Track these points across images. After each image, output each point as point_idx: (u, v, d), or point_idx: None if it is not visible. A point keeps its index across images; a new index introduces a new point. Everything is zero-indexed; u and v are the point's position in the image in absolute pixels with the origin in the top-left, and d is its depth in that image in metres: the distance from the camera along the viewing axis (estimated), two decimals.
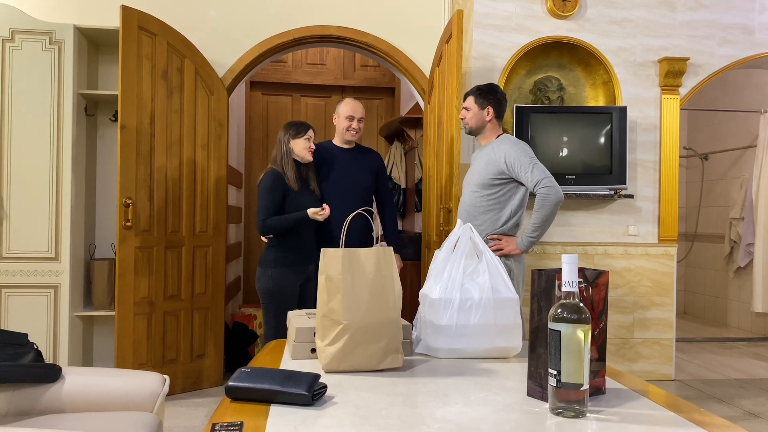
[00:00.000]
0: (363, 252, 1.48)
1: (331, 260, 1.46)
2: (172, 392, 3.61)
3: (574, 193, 4.04)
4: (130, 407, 2.00)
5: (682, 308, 7.02)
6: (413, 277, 4.37)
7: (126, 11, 3.40)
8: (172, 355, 3.66)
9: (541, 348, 1.27)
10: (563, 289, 1.18)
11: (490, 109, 2.92)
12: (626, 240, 4.21)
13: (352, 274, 1.45)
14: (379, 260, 1.48)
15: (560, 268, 1.22)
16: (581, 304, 1.17)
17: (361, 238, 3.32)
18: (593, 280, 1.29)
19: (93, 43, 3.88)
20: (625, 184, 4.04)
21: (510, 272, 2.82)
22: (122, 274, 3.41)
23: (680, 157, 4.65)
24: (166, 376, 2.11)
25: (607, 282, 1.31)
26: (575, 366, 1.16)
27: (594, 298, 1.29)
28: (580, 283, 1.26)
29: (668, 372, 4.22)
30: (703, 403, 3.71)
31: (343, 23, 4.02)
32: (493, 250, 2.82)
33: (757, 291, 5.24)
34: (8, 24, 3.51)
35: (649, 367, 4.21)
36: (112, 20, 3.74)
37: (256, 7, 3.97)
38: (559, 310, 1.17)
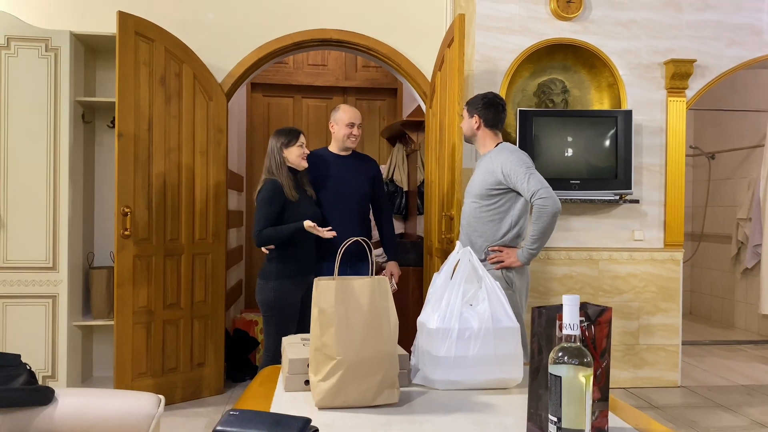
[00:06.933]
0: (357, 283, 1.43)
1: (324, 292, 1.41)
2: (171, 402, 3.58)
3: (579, 199, 3.98)
4: (124, 429, 1.96)
5: (689, 309, 6.95)
6: (415, 283, 4.32)
7: (123, 17, 3.35)
8: (172, 364, 3.63)
9: (541, 389, 1.22)
10: (564, 331, 1.13)
11: (477, 117, 2.91)
12: (631, 245, 4.15)
13: (345, 307, 1.40)
14: (373, 291, 1.43)
15: (561, 305, 1.17)
16: (583, 348, 1.12)
17: (359, 248, 3.27)
18: (596, 318, 1.24)
19: (90, 50, 3.83)
20: (631, 188, 3.98)
21: (512, 285, 2.77)
22: (121, 283, 3.37)
23: (687, 156, 4.58)
24: (161, 397, 2.07)
25: (610, 319, 1.26)
26: (576, 411, 1.11)
27: (596, 336, 1.24)
28: (581, 322, 1.21)
29: (674, 378, 4.17)
30: (709, 412, 3.66)
31: (344, 26, 3.96)
32: (494, 263, 2.77)
33: (764, 293, 5.17)
34: (4, 31, 3.47)
35: (655, 374, 4.16)
36: (108, 26, 3.68)
37: (256, 10, 3.91)
38: (560, 354, 1.12)
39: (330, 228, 3.00)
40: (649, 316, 4.16)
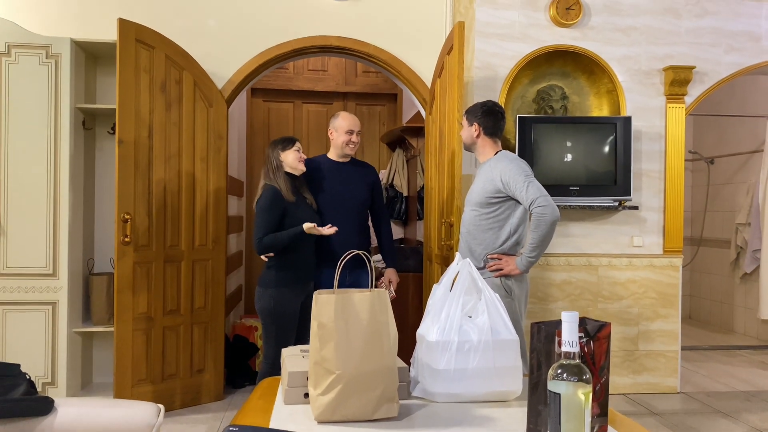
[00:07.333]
0: (357, 297, 1.43)
1: (324, 306, 1.41)
2: (171, 408, 3.58)
3: (578, 205, 3.99)
4: None
5: (688, 313, 6.95)
6: (414, 290, 4.33)
7: (123, 24, 3.35)
8: (172, 370, 3.63)
9: (540, 405, 1.23)
10: (563, 348, 1.13)
11: (476, 125, 2.92)
12: (631, 251, 4.16)
13: (345, 321, 1.41)
14: (373, 305, 1.43)
15: (560, 320, 1.17)
16: (582, 365, 1.12)
17: (358, 254, 3.28)
18: (594, 333, 1.24)
19: (91, 57, 3.84)
20: (630, 195, 3.98)
21: (511, 293, 2.77)
22: (121, 290, 3.37)
23: (686, 160, 4.59)
24: (161, 406, 2.07)
25: (609, 334, 1.27)
26: (576, 428, 1.11)
27: (595, 352, 1.24)
28: (580, 338, 1.21)
29: (673, 384, 4.18)
30: (709, 418, 3.66)
31: (344, 33, 3.97)
32: (493, 270, 2.78)
33: (763, 298, 5.17)
34: (4, 38, 3.47)
35: (654, 380, 4.16)
36: (109, 33, 3.69)
37: (256, 17, 3.92)
38: (559, 371, 1.12)
39: (330, 225, 3.03)
40: (649, 322, 4.16)
